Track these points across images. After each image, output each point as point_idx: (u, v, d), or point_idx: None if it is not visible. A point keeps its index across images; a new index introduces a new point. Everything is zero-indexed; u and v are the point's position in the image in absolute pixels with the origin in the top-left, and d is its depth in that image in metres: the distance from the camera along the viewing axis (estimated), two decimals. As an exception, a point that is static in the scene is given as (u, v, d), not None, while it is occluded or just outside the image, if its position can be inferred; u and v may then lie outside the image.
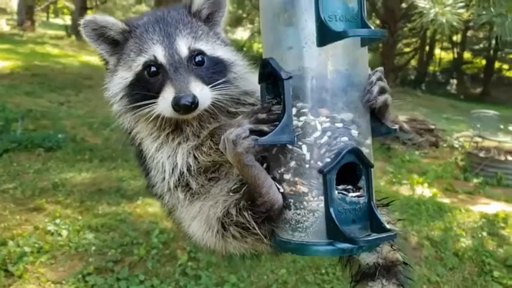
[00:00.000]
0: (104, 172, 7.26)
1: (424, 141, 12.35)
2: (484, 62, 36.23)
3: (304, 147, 1.15)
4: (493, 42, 29.03)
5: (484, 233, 6.36)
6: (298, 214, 1.18)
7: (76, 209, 5.76)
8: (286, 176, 1.18)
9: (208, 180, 1.31)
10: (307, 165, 1.15)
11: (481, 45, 34.95)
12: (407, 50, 36.12)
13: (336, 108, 1.14)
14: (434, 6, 2.81)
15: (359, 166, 1.17)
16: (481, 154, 10.09)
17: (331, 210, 1.12)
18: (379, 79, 1.17)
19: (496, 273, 5.33)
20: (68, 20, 32.49)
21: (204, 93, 1.18)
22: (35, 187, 6.27)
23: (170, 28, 1.26)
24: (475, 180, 9.22)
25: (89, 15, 1.30)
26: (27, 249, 4.67)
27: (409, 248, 5.73)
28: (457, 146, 12.01)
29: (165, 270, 4.70)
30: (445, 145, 12.27)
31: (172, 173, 1.28)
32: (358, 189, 1.19)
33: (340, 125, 1.14)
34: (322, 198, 1.14)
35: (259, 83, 1.21)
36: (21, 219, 5.35)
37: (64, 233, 5.09)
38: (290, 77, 1.12)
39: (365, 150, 1.18)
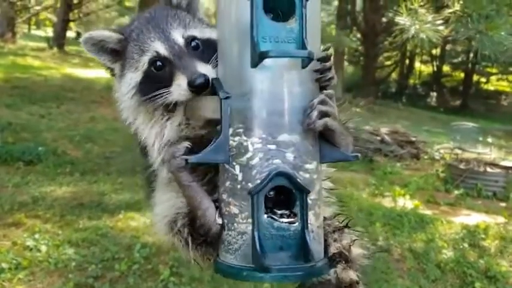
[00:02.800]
0: (85, 186, 7.17)
1: (406, 153, 12.50)
2: (462, 75, 36.95)
3: (237, 168, 1.14)
4: (471, 55, 29.68)
5: (466, 245, 6.42)
6: (230, 235, 1.17)
7: (56, 224, 5.66)
8: (224, 196, 1.18)
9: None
10: (239, 186, 1.15)
11: (460, 59, 35.68)
12: (388, 63, 36.67)
13: (271, 131, 1.13)
14: (415, 23, 2.87)
15: (292, 191, 1.15)
16: (461, 166, 10.24)
17: (256, 233, 1.10)
18: (321, 103, 1.16)
19: (477, 285, 5.38)
20: (49, 32, 32.21)
21: (209, 71, 1.25)
22: (14, 201, 6.14)
23: (161, 24, 1.33)
24: (456, 192, 9.34)
25: (87, 33, 1.35)
26: (4, 265, 4.56)
27: (391, 260, 5.77)
28: (437, 157, 12.18)
29: (147, 285, 4.63)
30: (426, 157, 12.44)
31: (161, 147, 1.32)
32: (294, 215, 1.16)
33: (273, 147, 1.13)
34: (250, 220, 1.13)
35: None
36: (-1, 234, 5.24)
37: (43, 248, 4.99)
38: (228, 97, 1.13)
39: (303, 175, 1.15)
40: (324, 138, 1.21)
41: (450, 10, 2.88)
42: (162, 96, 1.26)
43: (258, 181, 1.12)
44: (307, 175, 1.16)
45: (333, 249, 1.35)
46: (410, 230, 6.75)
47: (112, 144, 9.63)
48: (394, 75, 38.85)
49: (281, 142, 1.13)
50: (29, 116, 11.21)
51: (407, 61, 37.56)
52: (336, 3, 28.99)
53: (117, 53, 1.37)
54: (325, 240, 1.29)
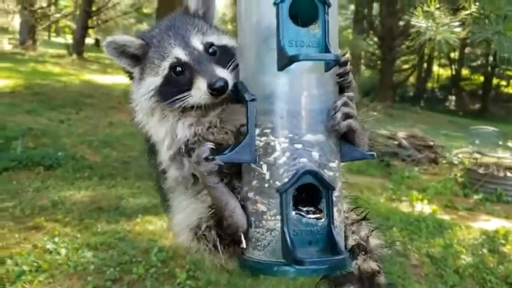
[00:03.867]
0: (103, 190, 7.26)
1: (424, 157, 12.38)
2: (482, 78, 36.48)
3: (265, 167, 1.18)
4: (491, 59, 29.28)
5: (485, 250, 6.33)
6: (258, 232, 1.20)
7: (75, 227, 5.74)
8: (250, 195, 1.22)
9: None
10: (266, 185, 1.18)
11: (479, 62, 35.24)
12: (405, 67, 36.39)
13: (297, 131, 1.17)
14: (431, 26, 2.86)
15: (319, 188, 1.19)
16: (481, 170, 10.10)
17: (286, 230, 1.14)
18: (344, 104, 1.21)
19: (497, 291, 5.31)
20: (69, 38, 32.74)
21: (228, 75, 1.30)
22: (34, 205, 6.26)
23: (181, 31, 1.39)
24: (475, 197, 9.22)
25: (110, 37, 1.41)
26: (25, 267, 4.65)
27: (409, 265, 5.71)
28: (456, 162, 12.03)
29: (164, 288, 4.68)
30: (444, 161, 12.29)
31: (171, 144, 1.37)
32: (319, 211, 1.20)
33: (299, 146, 1.17)
34: (279, 217, 1.16)
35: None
36: (20, 237, 5.33)
37: (63, 251, 5.07)
38: (254, 99, 1.18)
39: (327, 173, 1.19)
40: (344, 137, 1.25)
41: (467, 12, 2.86)
42: (182, 100, 1.31)
43: (286, 179, 1.16)
44: (331, 173, 1.20)
45: (351, 242, 1.40)
46: (428, 235, 6.67)
47: (130, 149, 9.73)
48: (412, 79, 38.53)
49: (306, 141, 1.17)
50: (48, 121, 11.41)
51: (425, 65, 37.26)
52: (352, 7, 28.96)
53: (137, 58, 1.43)
54: (344, 233, 1.33)
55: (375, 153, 1.33)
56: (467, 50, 33.01)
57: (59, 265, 4.83)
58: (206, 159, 1.20)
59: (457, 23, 2.88)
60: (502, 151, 11.88)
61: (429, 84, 39.27)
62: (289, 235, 1.13)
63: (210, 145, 1.22)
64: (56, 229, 5.59)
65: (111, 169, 8.30)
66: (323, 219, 1.19)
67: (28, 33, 26.07)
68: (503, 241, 6.63)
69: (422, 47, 3.13)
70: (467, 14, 2.83)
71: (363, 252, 1.44)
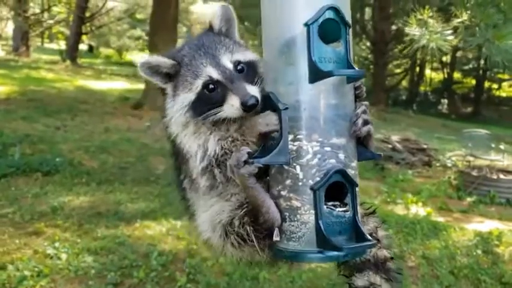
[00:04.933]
0: (101, 195, 7.30)
1: (417, 160, 12.50)
2: (474, 81, 36.79)
3: (298, 168, 1.33)
4: (482, 62, 29.57)
5: (479, 251, 6.43)
6: (292, 225, 1.35)
7: (75, 232, 5.79)
8: (283, 193, 1.36)
9: (228, 181, 1.47)
10: (300, 183, 1.33)
11: (471, 66, 35.54)
12: (398, 71, 36.62)
13: (326, 135, 1.33)
14: (425, 33, 2.96)
15: (345, 185, 1.35)
16: (474, 173, 10.23)
17: (320, 222, 1.30)
18: (364, 112, 1.38)
19: (491, 291, 5.41)
20: (62, 45, 32.73)
21: (257, 91, 1.41)
22: (34, 211, 6.30)
23: (211, 50, 1.50)
24: (469, 199, 9.35)
25: (143, 58, 1.50)
26: (26, 273, 4.69)
27: (405, 267, 5.80)
28: (449, 165, 12.16)
29: (165, 292, 4.74)
30: (438, 164, 12.42)
31: (203, 158, 1.47)
32: (344, 205, 1.36)
33: (328, 149, 1.32)
34: (312, 211, 1.32)
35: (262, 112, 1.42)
36: (20, 243, 5.37)
37: (63, 256, 5.12)
38: (286, 108, 1.32)
39: (350, 172, 1.35)
40: (358, 140, 1.41)
41: (459, 20, 2.97)
42: (214, 114, 1.43)
43: (318, 178, 1.31)
44: (353, 171, 1.37)
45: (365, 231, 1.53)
46: (424, 237, 6.78)
47: (126, 155, 9.79)
48: (404, 83, 38.77)
49: (334, 144, 1.33)
50: (45, 127, 11.44)
51: (417, 68, 37.51)
52: (345, 12, 29.11)
53: (169, 76, 1.53)
54: None
55: (381, 154, 1.50)
56: (459, 53, 33.27)
57: (60, 270, 4.88)
58: (245, 162, 1.32)
59: (449, 31, 2.98)
60: (494, 154, 12.03)
61: (422, 88, 39.53)
62: (323, 226, 1.29)
63: (248, 149, 1.35)
64: (56, 234, 5.63)
65: (108, 175, 8.34)
66: (349, 212, 1.35)
67: (21, 39, 26.03)
68: (497, 242, 6.74)
69: (415, 52, 3.24)
70: (459, 22, 2.93)
71: (376, 241, 1.58)
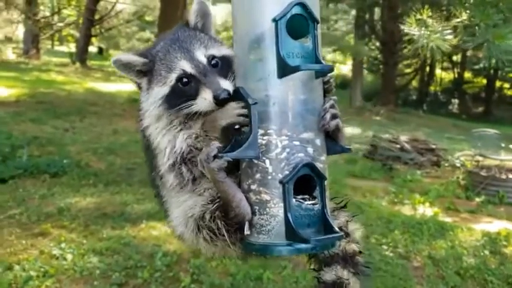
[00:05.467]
0: (108, 196, 7.36)
1: (426, 160, 12.42)
2: (485, 81, 36.47)
3: (267, 162, 1.35)
4: (493, 61, 29.28)
5: (486, 252, 6.38)
6: (262, 219, 1.37)
7: (81, 233, 5.84)
8: (253, 187, 1.38)
9: (199, 177, 1.51)
10: (269, 177, 1.36)
11: (481, 65, 35.19)
12: (408, 70, 36.46)
13: (294, 129, 1.35)
14: (424, 33, 2.96)
15: (314, 178, 1.37)
16: (483, 173, 10.14)
17: (289, 215, 1.32)
18: (332, 107, 1.40)
19: (498, 291, 5.36)
20: (72, 47, 33.01)
21: (230, 86, 1.44)
22: (41, 212, 6.37)
23: (185, 44, 1.52)
24: (477, 199, 9.26)
25: (115, 56, 1.54)
26: (32, 273, 4.74)
27: (410, 267, 5.77)
28: (458, 165, 12.06)
29: (169, 292, 4.76)
30: (446, 164, 12.32)
31: (170, 154, 1.50)
32: (314, 198, 1.39)
33: (297, 143, 1.35)
34: (281, 205, 1.34)
35: None
36: (26, 243, 5.43)
37: (69, 257, 5.17)
38: (255, 103, 1.34)
39: (319, 165, 1.38)
40: (327, 134, 1.44)
41: (458, 20, 2.95)
42: (188, 107, 1.46)
43: (287, 172, 1.34)
44: (321, 165, 1.39)
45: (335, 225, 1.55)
46: (430, 238, 6.74)
47: (134, 156, 9.84)
48: (414, 83, 38.59)
49: (303, 139, 1.36)
50: (53, 129, 11.54)
51: (427, 68, 37.29)
52: (354, 12, 29.05)
53: (143, 72, 1.56)
54: None
55: (351, 147, 1.52)
56: (469, 52, 33.00)
57: (65, 270, 4.92)
58: (215, 156, 1.34)
59: (449, 31, 2.97)
60: (504, 153, 11.91)
61: (432, 88, 39.30)
62: (292, 219, 1.31)
63: (218, 144, 1.37)
64: (62, 235, 5.69)
65: (115, 176, 8.40)
66: (318, 205, 1.38)
67: (32, 42, 26.30)
68: (505, 243, 6.68)
69: (416, 52, 3.23)
70: (458, 22, 2.92)
71: (345, 235, 1.62)
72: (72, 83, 19.45)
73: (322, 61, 1.35)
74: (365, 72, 33.37)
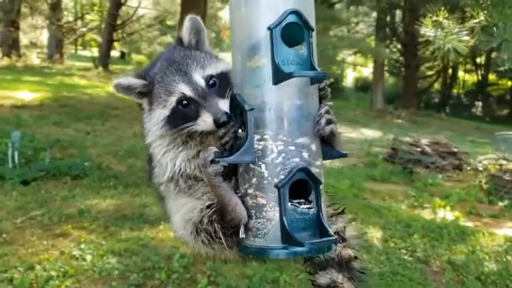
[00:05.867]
0: (127, 198, 7.45)
1: (447, 164, 12.24)
2: (510, 83, 35.76)
3: (263, 166, 1.37)
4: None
5: (509, 257, 6.26)
6: (258, 222, 1.39)
7: (100, 235, 5.93)
8: (249, 191, 1.40)
9: (196, 183, 1.56)
10: (265, 181, 1.37)
11: (506, 67, 34.53)
12: (430, 73, 36.00)
13: (290, 135, 1.37)
14: (440, 35, 2.93)
15: (309, 183, 1.38)
16: (506, 177, 9.94)
17: (284, 218, 1.33)
18: (327, 112, 1.42)
19: (520, 298, 5.25)
20: (95, 52, 33.53)
21: (228, 106, 1.47)
22: (62, 214, 6.49)
23: (182, 67, 1.54)
24: (500, 204, 9.08)
25: (116, 80, 1.58)
26: (53, 273, 4.83)
27: (429, 272, 5.70)
28: (481, 168, 11.83)
29: (186, 294, 4.80)
30: (468, 168, 12.11)
31: (170, 171, 1.56)
32: (309, 202, 1.40)
33: (292, 148, 1.36)
34: (277, 209, 1.35)
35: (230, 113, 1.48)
36: (48, 244, 5.54)
37: (88, 257, 5.25)
38: (252, 109, 1.37)
39: (314, 170, 1.39)
40: (323, 140, 1.45)
41: (476, 20, 2.91)
42: (189, 127, 1.50)
43: (282, 176, 1.35)
44: (317, 170, 1.41)
45: (332, 230, 1.56)
46: (450, 242, 6.64)
47: (154, 159, 9.93)
48: (436, 85, 38.08)
49: (298, 144, 1.38)
50: (75, 132, 11.76)
51: (450, 70, 36.76)
52: (374, 14, 28.86)
53: (143, 94, 1.60)
54: None
55: (347, 153, 1.53)
56: (493, 54, 32.41)
57: (84, 271, 5.01)
58: (212, 161, 1.37)
59: (465, 32, 2.93)
60: (529, 157, 11.66)
61: (455, 90, 38.73)
62: (287, 223, 1.33)
63: (215, 149, 1.40)
64: (82, 236, 5.78)
65: (135, 178, 8.50)
66: (313, 209, 1.39)
67: (56, 47, 26.87)
68: (528, 248, 6.55)
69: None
70: (475, 23, 2.88)
71: (341, 240, 1.64)
72: (95, 87, 19.76)
73: (317, 68, 1.37)
74: (386, 74, 33.04)
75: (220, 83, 1.53)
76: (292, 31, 1.36)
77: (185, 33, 1.61)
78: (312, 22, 1.39)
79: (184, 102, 1.50)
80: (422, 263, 5.89)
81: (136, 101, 1.63)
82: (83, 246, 5.50)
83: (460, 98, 38.26)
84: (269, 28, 1.33)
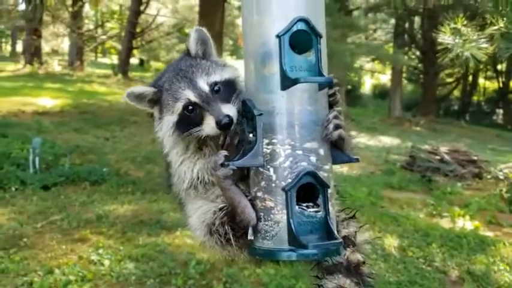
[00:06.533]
0: (145, 204, 7.52)
1: (467, 172, 12.05)
2: (531, 90, 35.16)
3: (272, 170, 1.41)
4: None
5: (530, 268, 6.14)
6: (267, 225, 1.42)
7: (118, 240, 5.99)
8: (259, 194, 1.44)
9: (212, 186, 1.62)
10: (273, 185, 1.41)
11: (527, 74, 34.01)
12: (449, 80, 35.60)
13: (298, 139, 1.40)
14: (458, 42, 2.91)
15: (316, 187, 1.41)
16: (527, 186, 9.77)
17: (291, 221, 1.36)
18: (335, 117, 1.44)
19: (542, 310, 5.14)
20: (115, 59, 34.00)
21: (232, 110, 1.51)
22: (80, 219, 6.58)
23: (188, 74, 1.61)
24: (521, 213, 8.92)
25: (128, 90, 1.65)
26: (71, 277, 4.90)
27: (448, 282, 5.62)
28: (501, 177, 11.64)
29: (202, 300, 4.81)
30: (489, 176, 11.90)
31: (189, 180, 1.62)
32: (317, 206, 1.42)
33: (300, 152, 1.40)
34: (285, 211, 1.39)
35: (242, 118, 1.51)
36: (67, 249, 5.62)
37: (106, 262, 5.31)
38: (261, 114, 1.40)
39: (323, 174, 1.41)
40: (333, 144, 1.48)
41: (495, 27, 2.89)
42: (196, 132, 1.55)
43: (290, 180, 1.38)
44: (325, 174, 1.43)
45: (341, 235, 1.61)
46: (470, 252, 6.53)
47: (171, 165, 10.01)
48: (456, 93, 37.63)
49: (306, 148, 1.41)
50: (95, 139, 11.92)
51: (470, 77, 36.29)
52: (393, 21, 28.69)
53: (154, 101, 1.67)
54: (336, 228, 1.52)
55: (359, 158, 1.55)
56: (514, 61, 31.90)
57: (102, 275, 5.06)
58: (222, 165, 1.42)
59: (484, 39, 2.91)
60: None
61: (475, 98, 38.22)
62: (294, 226, 1.36)
63: (225, 152, 1.45)
64: (100, 241, 5.85)
65: (153, 184, 8.57)
66: (321, 212, 1.41)
67: (76, 54, 27.32)
68: (550, 259, 6.40)
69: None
70: (495, 29, 2.86)
71: (351, 245, 1.66)
72: (114, 93, 20.00)
73: (324, 74, 1.40)
74: (404, 81, 32.78)
75: (225, 89, 1.59)
76: (302, 38, 1.39)
77: (192, 44, 1.66)
78: (322, 29, 1.42)
79: (190, 107, 1.56)
80: (440, 273, 5.81)
81: (148, 110, 1.69)
82: (101, 251, 5.56)
83: (481, 105, 37.74)
84: (277, 36, 1.37)
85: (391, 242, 6.60)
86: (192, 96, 1.56)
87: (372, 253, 6.08)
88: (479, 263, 6.15)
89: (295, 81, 1.33)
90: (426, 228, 7.35)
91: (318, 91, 1.42)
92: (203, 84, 1.58)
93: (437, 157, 12.52)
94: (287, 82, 1.35)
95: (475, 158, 12.67)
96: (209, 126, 1.52)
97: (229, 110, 1.52)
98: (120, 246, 5.79)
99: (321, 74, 1.39)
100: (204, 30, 1.67)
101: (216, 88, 1.58)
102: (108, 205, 7.28)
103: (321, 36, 1.40)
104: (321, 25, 1.43)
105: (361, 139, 18.01)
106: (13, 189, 7.66)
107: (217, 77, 1.61)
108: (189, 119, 1.57)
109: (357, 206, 8.36)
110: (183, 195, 1.69)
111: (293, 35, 1.37)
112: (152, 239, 6.07)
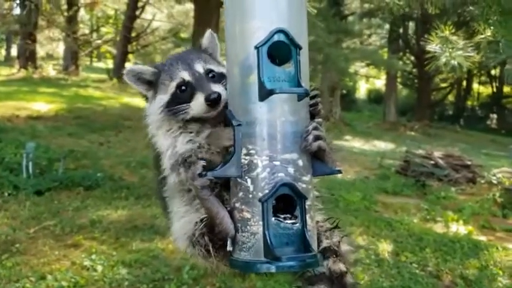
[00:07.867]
0: (139, 209, 7.51)
1: (461, 177, 12.13)
2: (525, 96, 35.40)
3: (249, 181, 1.40)
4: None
5: (523, 272, 6.17)
6: (244, 236, 1.41)
7: (111, 245, 5.98)
8: (237, 204, 1.43)
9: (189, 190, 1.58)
10: (250, 195, 1.40)
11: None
12: (444, 85, 35.77)
13: (276, 150, 1.39)
14: (445, 50, 2.95)
15: (294, 198, 1.40)
16: (520, 190, 9.83)
17: (267, 233, 1.35)
18: (315, 128, 1.43)
19: (534, 314, 5.17)
20: (110, 63, 33.96)
21: (222, 90, 1.54)
22: (74, 224, 6.56)
23: (187, 59, 1.66)
24: (514, 217, 8.97)
25: (129, 66, 1.71)
26: (64, 283, 4.88)
27: (441, 287, 5.64)
28: (495, 182, 11.69)
29: (195, 306, 4.81)
30: (482, 181, 11.96)
31: (171, 155, 1.58)
32: (295, 217, 1.40)
33: (278, 163, 1.39)
34: (261, 223, 1.37)
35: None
36: (59, 254, 5.60)
37: (99, 268, 5.30)
38: (239, 124, 1.40)
39: (301, 185, 1.40)
40: (315, 156, 1.47)
41: (482, 36, 2.93)
42: (184, 110, 1.56)
43: (267, 191, 1.37)
44: (304, 185, 1.42)
45: (324, 245, 1.62)
46: (463, 256, 6.56)
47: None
48: (450, 97, 37.82)
49: (283, 159, 1.40)
50: (89, 143, 11.90)
51: (464, 82, 36.49)
52: (387, 26, 28.86)
53: (151, 83, 1.68)
54: (318, 239, 1.53)
55: (341, 169, 1.54)
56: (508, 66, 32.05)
57: (95, 281, 5.05)
58: (199, 175, 1.41)
59: (471, 47, 2.94)
60: (545, 170, 11.50)
61: (469, 103, 38.43)
62: (270, 237, 1.34)
63: (202, 163, 1.44)
64: (93, 247, 5.84)
65: (147, 189, 8.55)
66: (297, 224, 1.39)
67: (71, 59, 27.23)
68: (543, 263, 6.44)
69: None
70: (481, 38, 2.90)
71: (334, 255, 1.64)
72: (109, 98, 19.99)
73: (303, 85, 1.39)
74: (399, 86, 32.92)
75: (219, 79, 1.61)
76: (282, 49, 1.40)
77: (205, 40, 1.75)
78: (303, 40, 1.43)
79: (183, 87, 1.59)
80: (434, 278, 5.83)
81: (143, 93, 1.71)
82: (94, 256, 5.55)
83: (475, 110, 37.94)
84: (256, 47, 1.37)
85: (385, 247, 6.62)
86: (186, 75, 1.60)
87: (365, 258, 6.12)
88: (472, 268, 6.18)
89: (271, 92, 1.34)
90: (420, 233, 7.38)
91: (298, 102, 1.42)
92: (199, 67, 1.62)
93: (432, 162, 12.60)
94: (264, 92, 1.36)
95: (469, 162, 12.76)
96: (198, 101, 1.53)
97: (219, 88, 1.55)
98: (113, 252, 5.78)
99: (299, 85, 1.39)
100: (215, 35, 1.75)
101: (210, 75, 1.62)
102: (101, 210, 7.26)
103: (300, 48, 1.40)
104: (303, 36, 1.43)
105: (355, 144, 18.09)
106: (6, 194, 7.61)
107: (215, 67, 1.65)
108: (180, 98, 1.58)
109: (351, 210, 8.41)
110: (168, 182, 1.63)
111: (275, 46, 1.38)
112: (146, 245, 6.06)
